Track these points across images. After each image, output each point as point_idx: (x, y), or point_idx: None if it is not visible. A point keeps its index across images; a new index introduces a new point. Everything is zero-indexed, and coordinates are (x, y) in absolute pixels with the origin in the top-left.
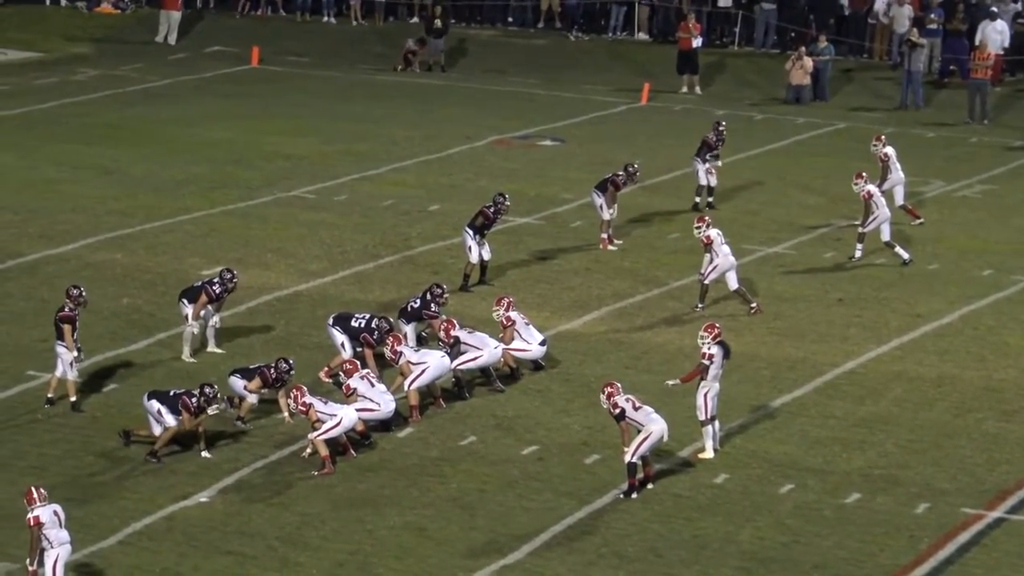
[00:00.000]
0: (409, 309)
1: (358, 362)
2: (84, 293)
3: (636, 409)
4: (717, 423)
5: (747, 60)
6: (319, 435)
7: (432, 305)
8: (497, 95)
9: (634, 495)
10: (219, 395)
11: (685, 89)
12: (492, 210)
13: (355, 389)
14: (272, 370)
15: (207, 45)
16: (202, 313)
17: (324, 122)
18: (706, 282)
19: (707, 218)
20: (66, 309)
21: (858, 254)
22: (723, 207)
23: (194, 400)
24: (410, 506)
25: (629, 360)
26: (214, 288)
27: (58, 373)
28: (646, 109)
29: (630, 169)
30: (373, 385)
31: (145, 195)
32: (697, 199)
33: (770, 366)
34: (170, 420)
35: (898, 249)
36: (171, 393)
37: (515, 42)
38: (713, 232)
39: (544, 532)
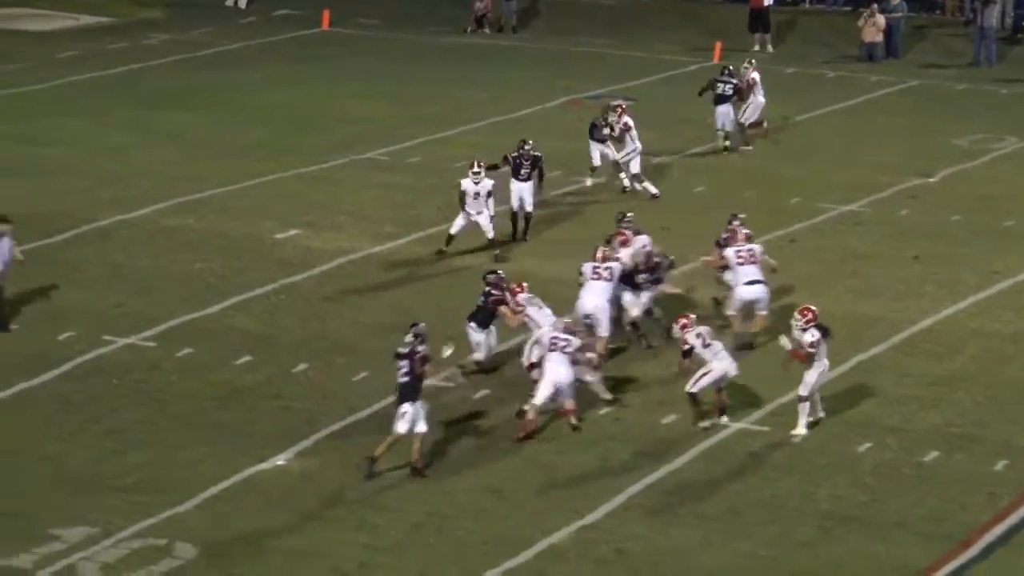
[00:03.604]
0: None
1: (525, 283)
2: None
3: (705, 346)
4: (818, 397)
5: (819, 18)
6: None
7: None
8: (568, 55)
9: (704, 423)
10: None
11: (757, 48)
12: (515, 155)
13: (524, 307)
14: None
15: (277, 8)
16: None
17: (395, 85)
18: None
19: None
20: None
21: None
22: (796, 167)
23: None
24: (488, 467)
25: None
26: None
27: None
28: (718, 68)
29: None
30: (540, 308)
31: (216, 160)
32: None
33: (847, 325)
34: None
35: (646, 184)
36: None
37: (586, 2)
38: None
39: (622, 492)
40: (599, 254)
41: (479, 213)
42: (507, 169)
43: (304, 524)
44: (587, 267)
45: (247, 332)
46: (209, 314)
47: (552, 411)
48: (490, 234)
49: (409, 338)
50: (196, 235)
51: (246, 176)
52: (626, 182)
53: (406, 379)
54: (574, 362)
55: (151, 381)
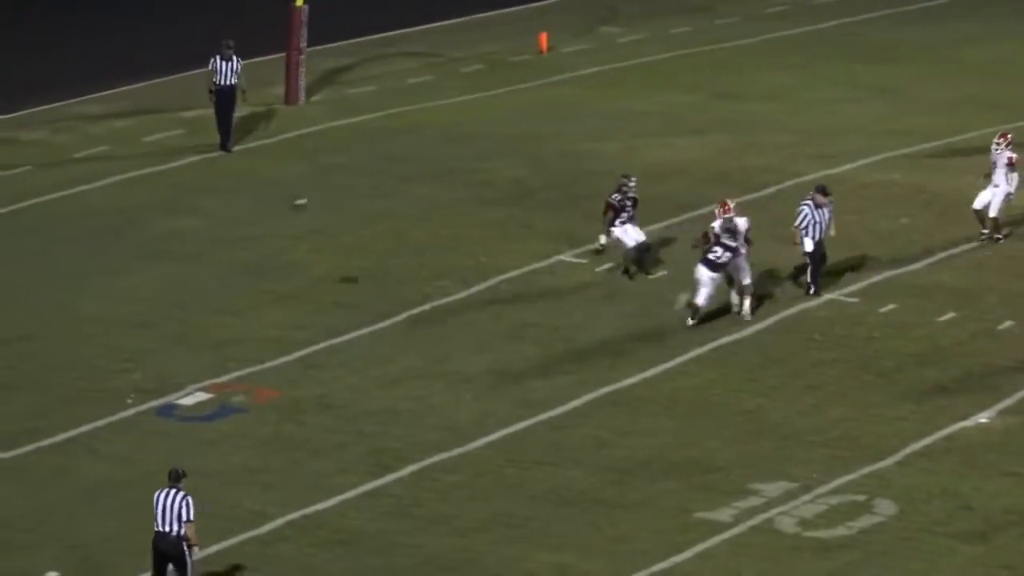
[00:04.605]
0: None
1: None
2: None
3: None
4: None
5: None
6: None
7: None
8: None
9: None
10: None
11: None
12: None
13: None
14: None
15: None
16: None
17: None
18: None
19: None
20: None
21: None
22: None
23: None
24: None
25: None
26: None
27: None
28: None
29: None
30: None
31: (924, 114)
32: None
33: None
34: None
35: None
36: None
37: None
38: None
39: None
40: None
41: (996, 186)
42: None
43: (1006, 483)
44: None
45: (952, 288)
46: (913, 270)
47: None
48: (992, 213)
49: None
50: (902, 190)
51: (953, 131)
52: None
53: None
54: None
55: (853, 337)
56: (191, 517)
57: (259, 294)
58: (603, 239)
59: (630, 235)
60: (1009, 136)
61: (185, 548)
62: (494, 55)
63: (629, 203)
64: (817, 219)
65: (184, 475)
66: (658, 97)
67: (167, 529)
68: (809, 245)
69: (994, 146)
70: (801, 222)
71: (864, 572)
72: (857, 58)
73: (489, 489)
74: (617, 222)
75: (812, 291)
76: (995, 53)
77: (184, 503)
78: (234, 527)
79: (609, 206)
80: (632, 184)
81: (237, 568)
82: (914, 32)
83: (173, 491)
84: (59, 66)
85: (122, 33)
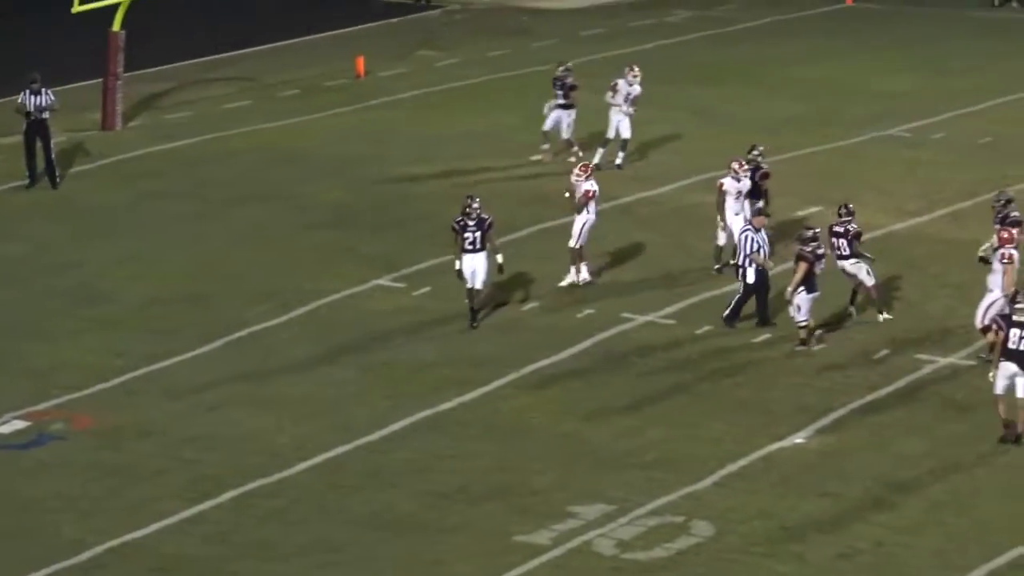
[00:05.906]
0: None
1: None
2: None
3: None
4: None
5: None
6: None
7: None
8: None
9: None
10: None
11: None
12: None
13: None
14: None
15: None
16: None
17: (923, 59)
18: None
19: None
20: None
21: None
22: None
23: None
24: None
25: None
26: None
27: None
28: None
29: None
30: None
31: (743, 135)
32: None
33: None
34: None
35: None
36: None
37: None
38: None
39: None
40: None
41: (737, 214)
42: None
43: (822, 503)
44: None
45: None
46: (729, 292)
47: None
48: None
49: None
50: (716, 212)
51: (771, 152)
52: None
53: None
54: None
55: (671, 359)
56: None
57: (78, 321)
58: (457, 264)
59: (478, 275)
60: (590, 165)
61: None
62: (311, 79)
63: (472, 223)
64: (761, 244)
65: None
66: (477, 120)
67: None
68: (752, 275)
69: (575, 177)
70: (750, 248)
71: None
72: (675, 79)
73: (308, 514)
74: (467, 244)
75: (765, 321)
76: (817, 73)
77: None
78: (53, 555)
79: (452, 229)
80: (475, 205)
81: None
82: (734, 53)
83: None
84: None
85: None
